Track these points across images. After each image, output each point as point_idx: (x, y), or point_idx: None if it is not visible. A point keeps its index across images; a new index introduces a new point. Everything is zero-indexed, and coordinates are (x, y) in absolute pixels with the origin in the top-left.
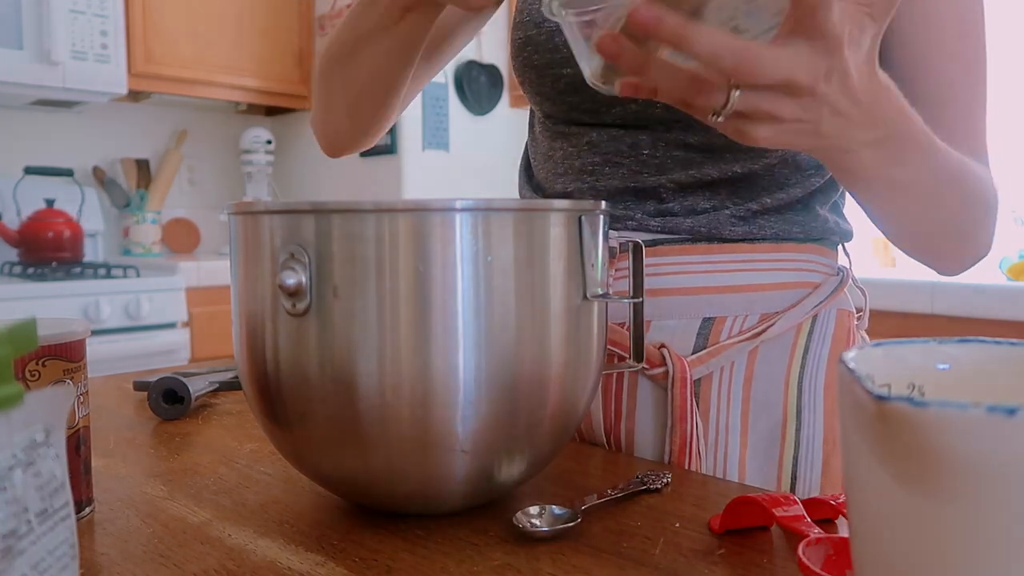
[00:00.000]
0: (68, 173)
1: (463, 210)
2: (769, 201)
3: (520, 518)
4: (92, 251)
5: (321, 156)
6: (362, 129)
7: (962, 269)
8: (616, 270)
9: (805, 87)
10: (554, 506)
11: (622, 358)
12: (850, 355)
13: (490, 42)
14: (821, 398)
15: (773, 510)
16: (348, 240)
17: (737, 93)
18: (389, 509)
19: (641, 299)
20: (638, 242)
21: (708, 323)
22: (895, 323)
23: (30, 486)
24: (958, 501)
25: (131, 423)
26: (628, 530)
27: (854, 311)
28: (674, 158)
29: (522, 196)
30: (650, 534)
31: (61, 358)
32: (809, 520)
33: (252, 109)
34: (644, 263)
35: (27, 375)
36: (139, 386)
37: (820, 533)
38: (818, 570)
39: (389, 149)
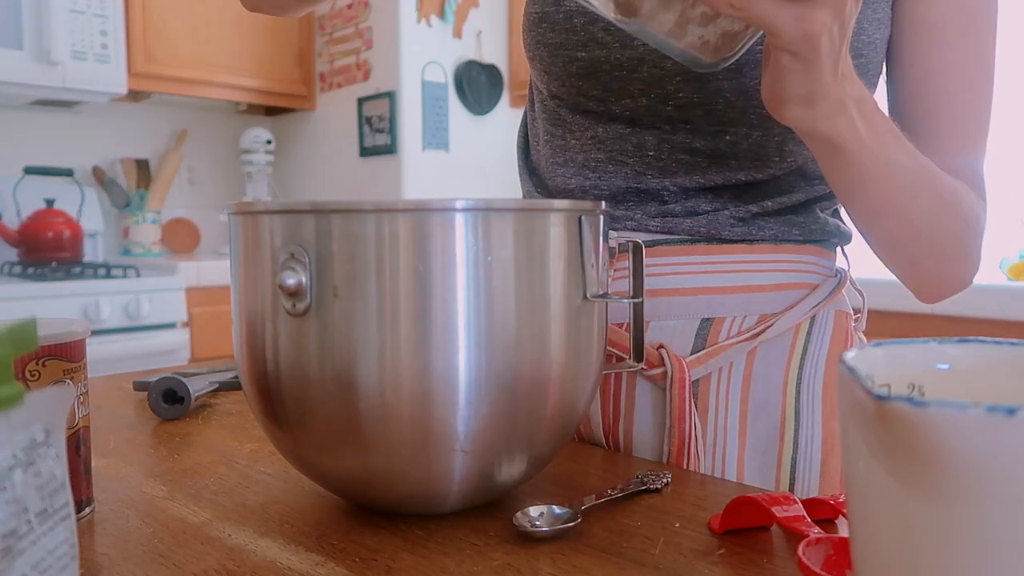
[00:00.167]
0: (68, 173)
1: (463, 210)
2: (770, 204)
3: (520, 518)
4: (92, 251)
5: (321, 156)
6: None
7: (942, 293)
8: (616, 270)
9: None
10: (554, 506)
11: (621, 358)
12: (850, 355)
13: (490, 42)
14: (819, 399)
15: (773, 510)
16: (348, 240)
17: None
18: (389, 509)
19: (641, 299)
20: (638, 242)
21: (707, 324)
22: (895, 323)
23: (30, 486)
24: (958, 501)
25: (131, 423)
26: (628, 530)
27: (852, 313)
28: (679, 161)
29: (521, 176)
30: (650, 534)
31: (61, 358)
32: (809, 520)
33: (252, 109)
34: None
35: (27, 375)
36: (139, 386)
37: (820, 533)
38: (818, 570)
39: (389, 149)
